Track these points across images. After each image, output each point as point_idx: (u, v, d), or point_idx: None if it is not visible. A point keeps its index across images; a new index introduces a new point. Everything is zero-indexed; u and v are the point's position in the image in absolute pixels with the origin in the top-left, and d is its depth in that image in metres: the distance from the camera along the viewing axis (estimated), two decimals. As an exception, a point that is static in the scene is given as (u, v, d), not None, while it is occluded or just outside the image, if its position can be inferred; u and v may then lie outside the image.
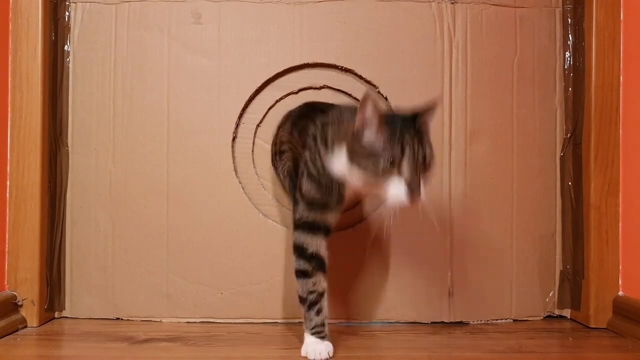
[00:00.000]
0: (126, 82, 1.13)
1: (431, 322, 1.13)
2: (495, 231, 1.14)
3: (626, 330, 1.03)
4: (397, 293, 1.13)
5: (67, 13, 1.14)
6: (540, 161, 1.17)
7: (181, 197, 1.13)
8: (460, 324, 1.13)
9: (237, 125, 1.14)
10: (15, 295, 1.05)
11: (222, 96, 1.14)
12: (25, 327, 1.06)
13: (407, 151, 0.81)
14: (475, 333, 1.07)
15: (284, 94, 1.15)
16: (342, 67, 1.14)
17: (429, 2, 1.14)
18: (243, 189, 1.13)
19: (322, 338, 0.90)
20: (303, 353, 0.90)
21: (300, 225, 0.91)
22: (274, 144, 1.12)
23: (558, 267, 1.17)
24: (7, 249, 1.06)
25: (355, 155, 0.83)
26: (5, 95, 1.07)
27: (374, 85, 1.14)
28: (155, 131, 1.13)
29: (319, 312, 0.90)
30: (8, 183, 1.07)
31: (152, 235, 1.13)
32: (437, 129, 1.13)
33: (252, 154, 1.15)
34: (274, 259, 1.12)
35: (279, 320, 1.12)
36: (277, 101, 1.15)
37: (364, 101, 0.81)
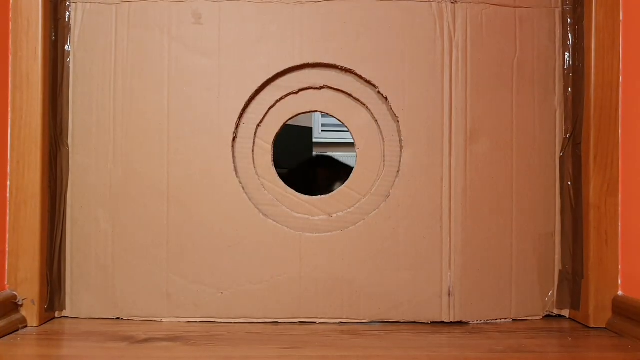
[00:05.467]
0: (126, 82, 1.14)
1: (431, 322, 1.13)
2: (494, 230, 1.15)
3: (626, 330, 1.03)
4: (396, 292, 1.13)
5: (67, 13, 1.14)
6: (539, 161, 1.17)
7: (181, 197, 1.13)
8: (460, 323, 1.13)
9: (237, 125, 1.14)
10: (16, 295, 1.06)
11: (222, 96, 1.14)
12: (26, 326, 1.06)
13: None
14: (474, 333, 1.07)
15: (285, 93, 1.15)
16: (342, 67, 1.14)
17: (429, 1, 1.14)
18: (243, 189, 1.13)
19: None
20: None
21: None
22: None
23: (557, 266, 1.17)
24: (7, 249, 1.07)
25: None
26: (6, 95, 1.07)
27: (374, 85, 1.14)
28: (155, 131, 1.13)
29: None
30: (8, 183, 1.07)
31: (153, 235, 1.13)
32: (436, 129, 1.13)
33: (253, 154, 1.15)
34: (274, 259, 1.12)
35: (279, 320, 1.12)
36: (277, 101, 1.15)
37: None
